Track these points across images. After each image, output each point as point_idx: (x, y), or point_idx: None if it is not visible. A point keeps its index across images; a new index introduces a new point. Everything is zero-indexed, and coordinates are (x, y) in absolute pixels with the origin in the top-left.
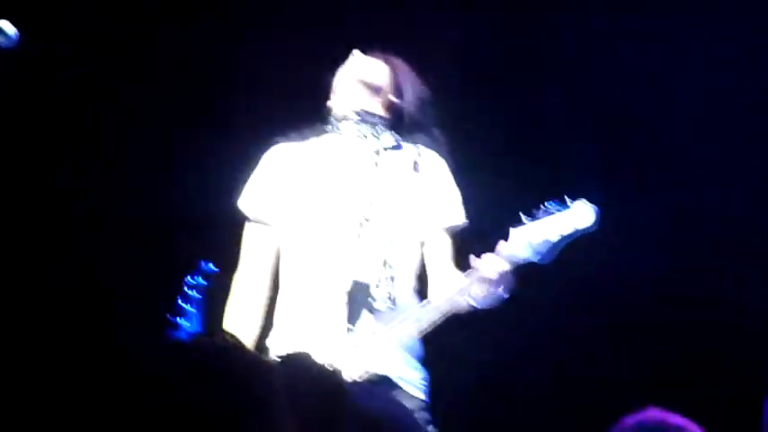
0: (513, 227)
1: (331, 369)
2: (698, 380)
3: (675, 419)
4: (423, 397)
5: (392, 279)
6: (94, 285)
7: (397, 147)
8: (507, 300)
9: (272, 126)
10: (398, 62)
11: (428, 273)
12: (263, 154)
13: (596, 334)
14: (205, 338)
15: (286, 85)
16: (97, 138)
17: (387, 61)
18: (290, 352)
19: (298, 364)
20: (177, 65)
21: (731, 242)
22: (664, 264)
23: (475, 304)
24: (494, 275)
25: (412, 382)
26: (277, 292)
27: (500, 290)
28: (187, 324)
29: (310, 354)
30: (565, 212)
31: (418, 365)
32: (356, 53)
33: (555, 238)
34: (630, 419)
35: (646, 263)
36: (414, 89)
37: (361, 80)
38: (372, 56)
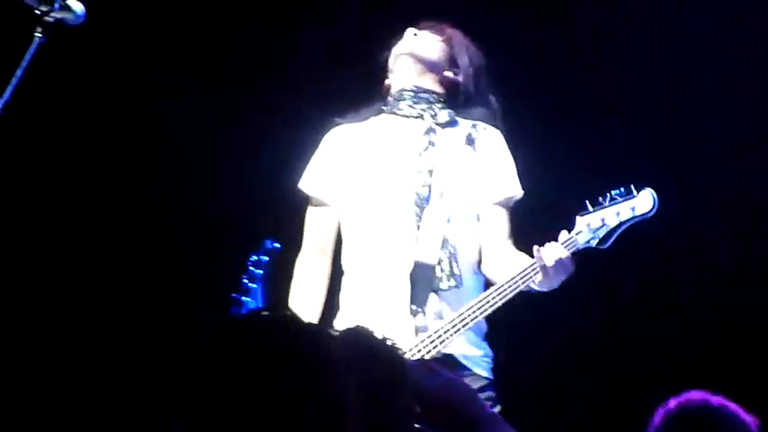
0: (580, 215)
1: (391, 344)
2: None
3: (717, 400)
4: (487, 375)
5: (454, 257)
6: (165, 264)
7: (453, 123)
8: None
9: (332, 107)
10: (453, 32)
11: (483, 247)
12: (323, 135)
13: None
14: (263, 312)
15: (345, 66)
16: (162, 122)
17: (441, 33)
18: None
19: (358, 337)
20: (237, 51)
21: None
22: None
23: (536, 287)
24: (552, 263)
25: (476, 360)
26: (340, 272)
27: (560, 275)
28: (251, 301)
29: (371, 329)
30: (629, 201)
31: (483, 344)
32: (410, 30)
33: (613, 223)
34: (673, 402)
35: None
36: (470, 59)
37: (416, 56)
38: (426, 28)
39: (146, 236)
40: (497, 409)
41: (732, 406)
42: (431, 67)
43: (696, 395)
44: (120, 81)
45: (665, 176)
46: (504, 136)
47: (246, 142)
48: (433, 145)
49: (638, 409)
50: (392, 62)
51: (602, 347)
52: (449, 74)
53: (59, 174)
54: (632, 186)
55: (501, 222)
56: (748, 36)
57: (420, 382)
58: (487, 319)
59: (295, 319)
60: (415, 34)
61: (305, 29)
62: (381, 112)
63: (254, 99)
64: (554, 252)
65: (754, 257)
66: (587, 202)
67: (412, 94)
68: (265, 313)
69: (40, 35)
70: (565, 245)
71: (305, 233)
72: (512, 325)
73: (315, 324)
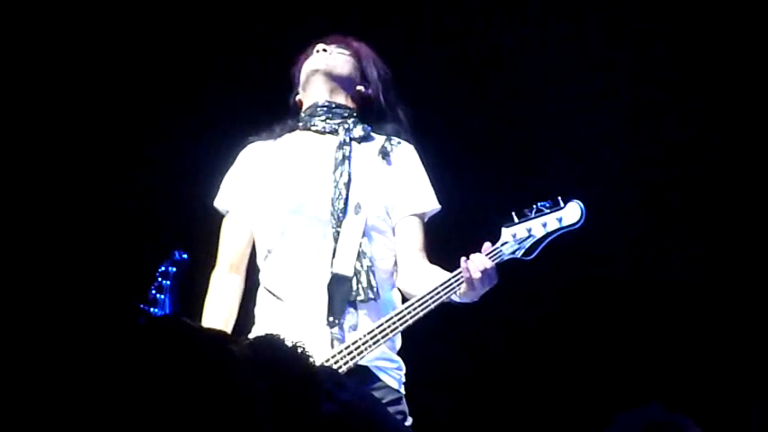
0: (506, 226)
1: (301, 350)
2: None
3: (674, 417)
4: (399, 388)
5: (371, 270)
6: (73, 273)
7: (368, 137)
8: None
9: (246, 124)
10: (360, 46)
11: (398, 260)
12: (237, 153)
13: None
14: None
15: (256, 83)
16: (80, 129)
17: (348, 48)
18: (261, 335)
19: (267, 343)
20: (152, 65)
21: None
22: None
23: (458, 299)
24: (478, 275)
25: (389, 373)
26: (255, 287)
27: (485, 286)
28: (159, 312)
29: (281, 336)
30: (556, 212)
31: (396, 357)
32: (318, 46)
33: (540, 234)
34: (632, 415)
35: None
36: (378, 73)
37: (328, 73)
38: (334, 42)
39: (57, 244)
40: (408, 422)
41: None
42: (343, 83)
43: (655, 409)
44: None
45: (592, 188)
46: (418, 149)
47: (161, 155)
48: (348, 158)
49: (560, 418)
50: (303, 79)
51: (516, 361)
52: (360, 88)
53: None
54: (560, 198)
55: (414, 236)
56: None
57: (330, 391)
58: (402, 332)
59: (197, 326)
60: (325, 49)
61: (218, 45)
62: (295, 128)
63: (172, 114)
64: (479, 263)
65: (679, 266)
66: (513, 213)
67: (326, 109)
68: (167, 321)
69: None
70: (490, 256)
71: (219, 248)
72: (425, 339)
73: (218, 330)
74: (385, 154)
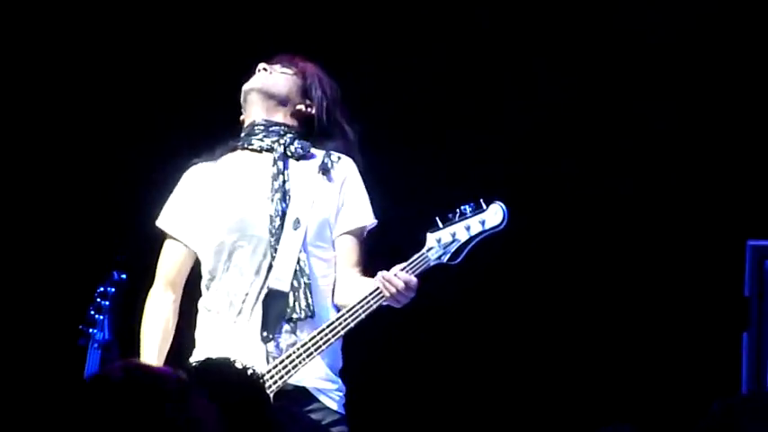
0: (431, 231)
1: (246, 370)
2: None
3: None
4: (338, 409)
5: (308, 287)
6: (11, 293)
7: (307, 155)
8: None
9: (195, 145)
10: (306, 65)
11: (337, 275)
12: (180, 174)
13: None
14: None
15: (206, 103)
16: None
17: (293, 66)
18: (207, 358)
19: (212, 368)
20: (103, 84)
21: None
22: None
23: (386, 303)
24: (392, 291)
25: (329, 393)
26: (195, 310)
27: (405, 297)
28: (98, 333)
29: (224, 358)
30: (479, 215)
31: (335, 377)
32: (260, 65)
33: (464, 238)
34: None
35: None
36: (323, 91)
37: (264, 92)
38: (279, 62)
39: None
40: None
41: None
42: (280, 101)
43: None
44: None
45: (513, 189)
46: (360, 166)
47: (102, 172)
48: (285, 174)
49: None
50: (242, 98)
51: (450, 373)
52: (300, 107)
53: None
54: (481, 200)
55: (350, 252)
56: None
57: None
58: (343, 353)
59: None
60: (265, 69)
61: (172, 63)
62: (235, 148)
63: (120, 132)
64: (395, 278)
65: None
66: (437, 218)
67: (262, 128)
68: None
69: None
70: (414, 264)
71: (158, 268)
72: (366, 361)
73: (167, 369)
74: (325, 170)
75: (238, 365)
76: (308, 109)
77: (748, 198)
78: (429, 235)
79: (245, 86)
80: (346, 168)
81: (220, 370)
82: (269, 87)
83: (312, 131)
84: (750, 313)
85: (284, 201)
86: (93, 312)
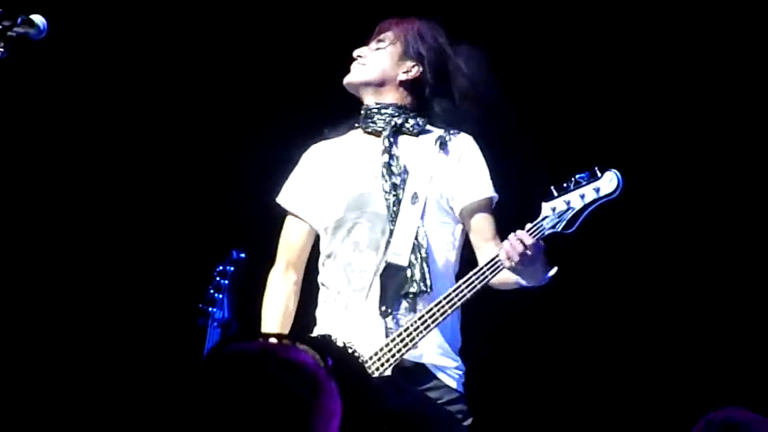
0: (545, 201)
1: (351, 350)
2: None
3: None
4: (458, 387)
5: (426, 261)
6: (132, 272)
7: (423, 131)
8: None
9: (307, 124)
10: (402, 25)
11: (475, 252)
12: (301, 153)
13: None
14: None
15: (324, 83)
16: (135, 127)
17: (389, 35)
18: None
19: (324, 346)
20: (226, 65)
21: None
22: None
23: (522, 282)
24: (519, 249)
25: (447, 371)
26: (316, 288)
27: (536, 265)
28: (217, 311)
29: (333, 336)
30: (593, 183)
31: (455, 355)
32: (356, 53)
33: (578, 206)
34: (716, 415)
35: None
36: (426, 45)
37: (364, 83)
38: (375, 38)
39: (116, 244)
40: (468, 422)
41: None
42: (382, 82)
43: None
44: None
45: (630, 158)
46: (480, 138)
47: (223, 154)
48: (396, 151)
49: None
50: (348, 89)
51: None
52: (404, 76)
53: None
54: (596, 168)
55: (481, 226)
56: None
57: (387, 400)
58: (463, 332)
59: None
60: (359, 57)
61: (288, 45)
62: (355, 127)
63: (231, 113)
64: (515, 241)
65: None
66: (552, 187)
67: (376, 110)
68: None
69: (1, 50)
70: (531, 232)
71: (279, 247)
72: (485, 337)
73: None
74: (443, 144)
75: (344, 345)
76: (411, 71)
77: None
78: (544, 204)
79: (345, 82)
80: (464, 143)
81: (332, 348)
82: (365, 78)
83: (424, 98)
84: None
85: (399, 176)
86: (212, 291)
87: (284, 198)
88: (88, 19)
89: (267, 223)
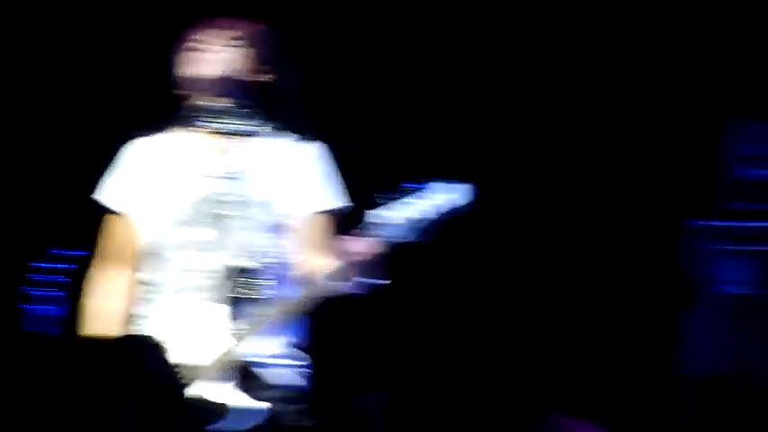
0: (376, 209)
1: (164, 349)
2: None
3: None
4: (300, 384)
5: (264, 266)
6: None
7: (269, 135)
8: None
9: (137, 120)
10: (254, 29)
11: (303, 256)
12: (123, 148)
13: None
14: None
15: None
16: None
17: (238, 35)
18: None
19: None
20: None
21: None
22: None
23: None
24: (356, 258)
25: (285, 369)
26: (135, 284)
27: (365, 274)
28: (37, 309)
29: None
30: (424, 193)
31: (298, 353)
32: (198, 45)
33: (421, 215)
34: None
35: None
36: (278, 55)
37: (210, 78)
38: (219, 32)
39: None
40: (311, 422)
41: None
42: (233, 81)
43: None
44: None
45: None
46: (327, 146)
47: (44, 150)
48: (239, 154)
49: None
50: (183, 82)
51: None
52: (255, 78)
53: None
54: (436, 180)
55: (316, 234)
56: None
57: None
58: (306, 328)
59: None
60: (205, 49)
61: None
62: (183, 125)
63: (60, 110)
64: (349, 245)
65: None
66: (382, 196)
67: (221, 110)
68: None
69: None
70: (367, 241)
71: (101, 244)
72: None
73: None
74: (288, 151)
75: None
76: (264, 78)
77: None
78: (373, 211)
79: (186, 73)
80: (311, 150)
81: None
82: (217, 73)
83: (272, 106)
84: (686, 294)
85: (240, 179)
86: (36, 290)
87: (108, 196)
88: None
89: (93, 221)
